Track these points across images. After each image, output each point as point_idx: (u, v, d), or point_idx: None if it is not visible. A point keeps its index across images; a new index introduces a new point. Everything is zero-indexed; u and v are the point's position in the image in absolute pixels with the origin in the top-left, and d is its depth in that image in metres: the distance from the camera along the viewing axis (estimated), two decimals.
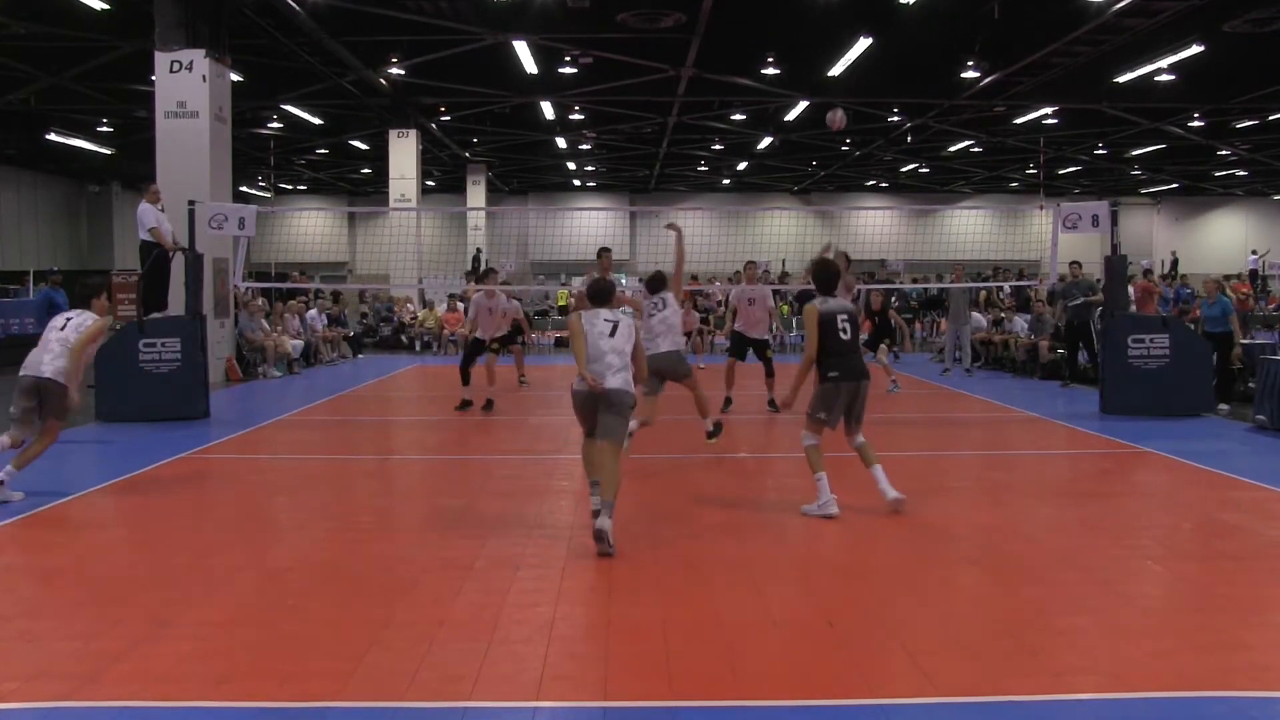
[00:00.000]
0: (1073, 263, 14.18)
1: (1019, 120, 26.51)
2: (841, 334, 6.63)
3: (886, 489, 6.56)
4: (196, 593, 4.98)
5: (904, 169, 37.72)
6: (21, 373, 7.10)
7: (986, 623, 4.58)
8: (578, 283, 12.16)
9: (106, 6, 15.59)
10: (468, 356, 11.79)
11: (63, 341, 7.21)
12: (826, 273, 6.92)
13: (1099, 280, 13.84)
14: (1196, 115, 25.24)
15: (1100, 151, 32.38)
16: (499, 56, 19.36)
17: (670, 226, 9.28)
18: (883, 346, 14.77)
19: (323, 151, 33.12)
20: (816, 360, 6.64)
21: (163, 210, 12.05)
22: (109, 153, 29.70)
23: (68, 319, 7.40)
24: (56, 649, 4.16)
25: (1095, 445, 9.40)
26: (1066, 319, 14.27)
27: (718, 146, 32.41)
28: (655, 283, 8.94)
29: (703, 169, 38.77)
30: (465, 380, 11.53)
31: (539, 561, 5.46)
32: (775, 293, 19.32)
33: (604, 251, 11.44)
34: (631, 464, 8.32)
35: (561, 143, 31.52)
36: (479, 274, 12.52)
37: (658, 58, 19.17)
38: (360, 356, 20.06)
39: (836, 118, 9.94)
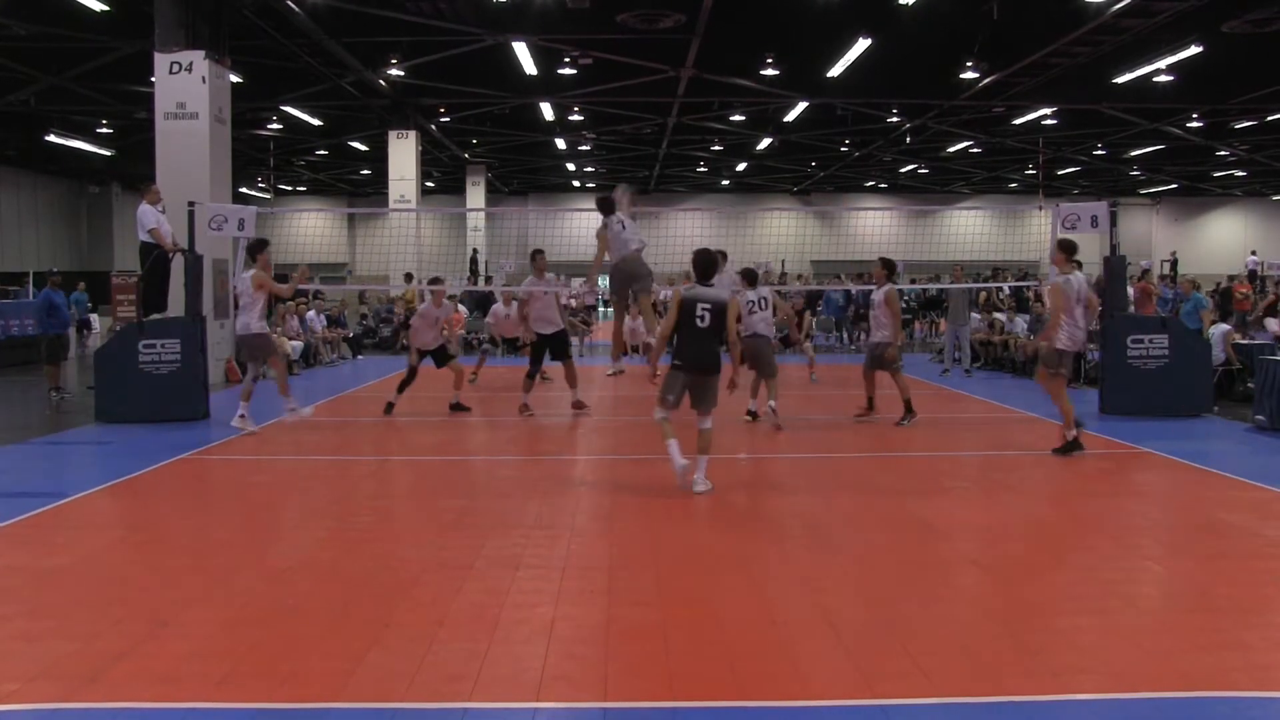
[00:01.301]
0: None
1: (1018, 121, 26.54)
2: (699, 321, 6.84)
3: (697, 480, 6.93)
4: (197, 593, 4.98)
5: (903, 170, 37.77)
6: None
7: (986, 623, 4.58)
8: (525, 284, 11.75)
9: (106, 8, 15.59)
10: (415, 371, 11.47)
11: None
12: (703, 260, 7.16)
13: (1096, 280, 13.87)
14: (1195, 116, 25.27)
15: (1099, 152, 32.41)
16: (498, 57, 19.37)
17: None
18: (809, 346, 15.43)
19: (322, 152, 33.14)
20: (675, 343, 7.04)
21: (163, 211, 12.04)
22: (109, 154, 29.72)
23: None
24: (57, 649, 4.16)
25: (1095, 445, 9.38)
26: None
27: (717, 147, 32.44)
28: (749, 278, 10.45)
29: (702, 170, 38.81)
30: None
31: (539, 562, 5.46)
32: (778, 293, 19.31)
33: (538, 253, 11.57)
34: (631, 464, 8.34)
35: (561, 143, 31.53)
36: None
37: (657, 58, 19.18)
38: (360, 357, 20.05)
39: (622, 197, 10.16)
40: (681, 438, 7.07)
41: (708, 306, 6.84)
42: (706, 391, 6.93)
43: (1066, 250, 8.81)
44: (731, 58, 19.75)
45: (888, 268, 10.47)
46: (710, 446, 7.04)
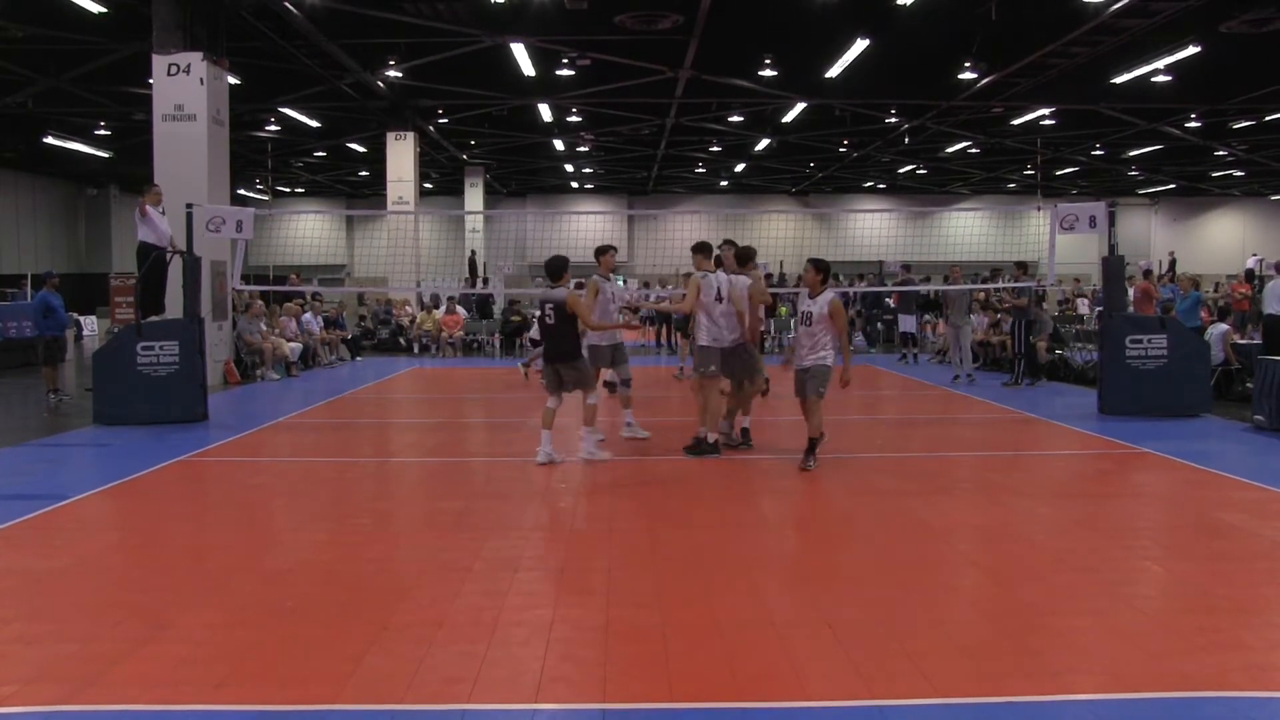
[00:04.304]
0: (1017, 264, 14.53)
1: (1016, 121, 26.53)
2: (547, 319, 8.18)
3: (582, 449, 8.22)
4: (195, 595, 4.97)
5: (902, 170, 37.73)
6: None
7: (986, 623, 4.58)
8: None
9: (104, 9, 15.57)
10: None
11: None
12: (550, 265, 8.24)
13: (1042, 283, 14.28)
14: (1194, 116, 25.27)
15: (1098, 152, 32.40)
16: (497, 58, 19.36)
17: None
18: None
19: (320, 154, 33.10)
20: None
21: (163, 212, 12.03)
22: (107, 156, 29.69)
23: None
24: (55, 652, 4.15)
25: (1094, 446, 9.41)
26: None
27: (716, 148, 32.41)
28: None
29: (701, 171, 38.78)
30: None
31: (538, 563, 5.46)
32: (775, 295, 19.29)
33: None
34: (630, 466, 8.34)
35: (559, 145, 31.52)
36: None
37: (656, 59, 19.16)
38: (358, 359, 20.05)
39: None
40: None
41: (551, 306, 8.05)
42: (572, 373, 8.15)
43: (703, 251, 9.12)
44: (730, 58, 19.73)
45: (822, 271, 8.12)
46: (592, 419, 8.25)
